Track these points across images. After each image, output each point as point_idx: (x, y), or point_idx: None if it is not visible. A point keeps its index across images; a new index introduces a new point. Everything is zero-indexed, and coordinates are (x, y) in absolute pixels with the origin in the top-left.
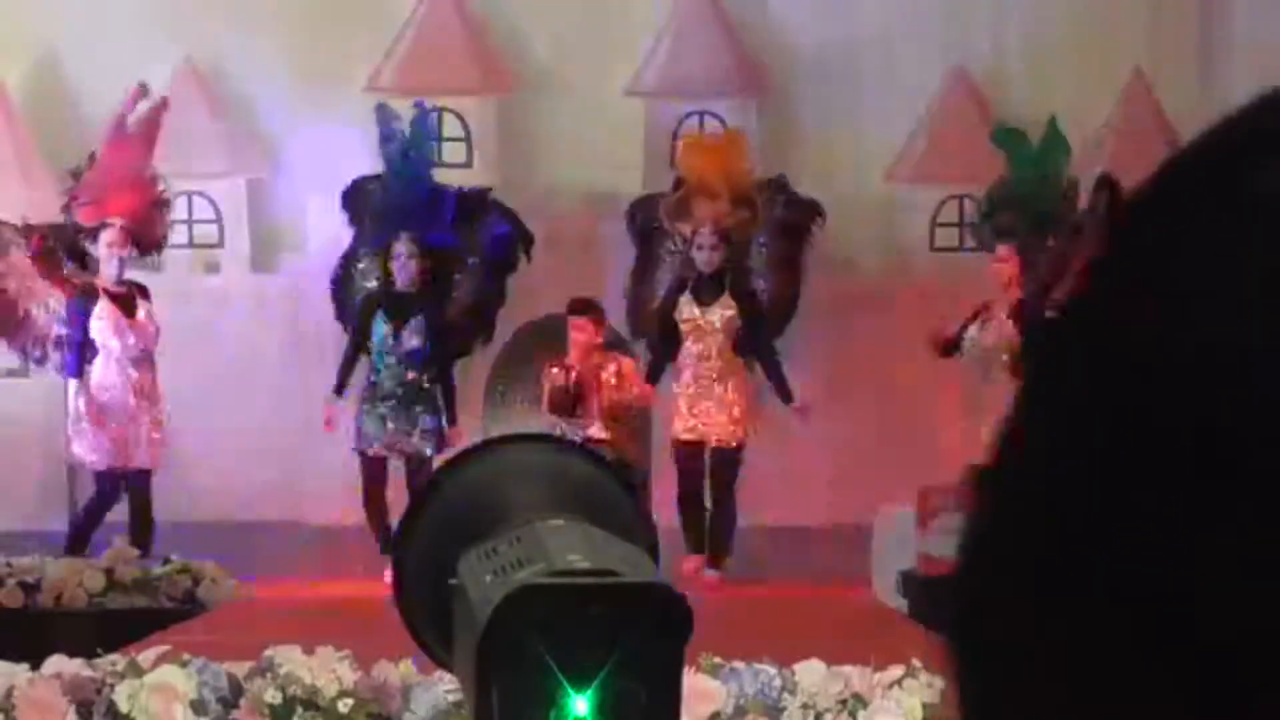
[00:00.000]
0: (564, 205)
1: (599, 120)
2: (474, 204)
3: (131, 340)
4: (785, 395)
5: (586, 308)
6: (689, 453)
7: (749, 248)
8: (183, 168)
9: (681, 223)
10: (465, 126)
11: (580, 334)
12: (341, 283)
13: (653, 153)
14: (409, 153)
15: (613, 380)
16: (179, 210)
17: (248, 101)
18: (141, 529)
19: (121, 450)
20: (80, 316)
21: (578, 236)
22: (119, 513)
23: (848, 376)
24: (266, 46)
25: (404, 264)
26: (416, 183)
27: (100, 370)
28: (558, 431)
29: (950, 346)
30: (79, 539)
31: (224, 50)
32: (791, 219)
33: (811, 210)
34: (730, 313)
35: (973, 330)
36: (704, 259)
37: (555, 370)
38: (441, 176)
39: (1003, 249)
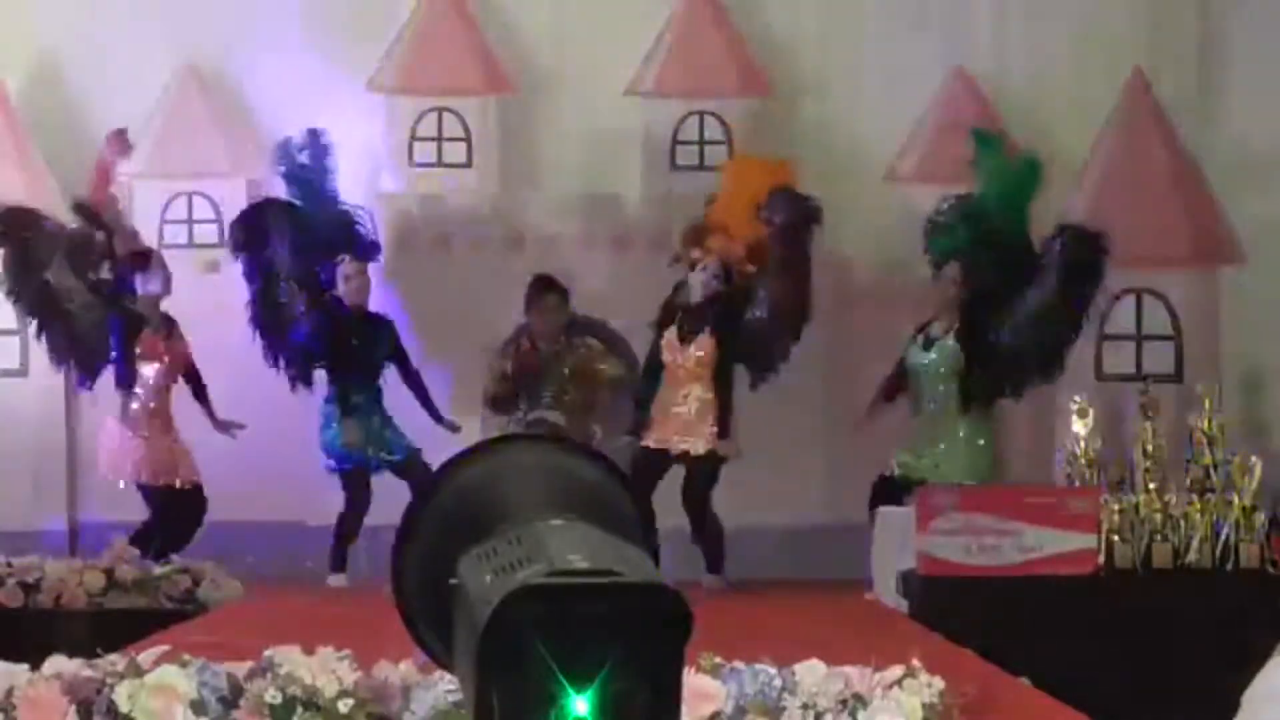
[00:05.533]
0: (564, 205)
1: (599, 120)
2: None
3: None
4: (722, 429)
5: (552, 286)
6: (648, 460)
7: (749, 289)
8: (183, 168)
9: (694, 249)
10: (465, 126)
11: (552, 315)
12: (267, 317)
13: (653, 153)
14: (315, 180)
15: (582, 350)
16: (179, 210)
17: (248, 102)
18: (184, 540)
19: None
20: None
21: (577, 237)
22: (123, 514)
23: (847, 376)
24: (266, 47)
25: (357, 285)
26: (332, 206)
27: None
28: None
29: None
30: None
31: (224, 51)
32: (791, 220)
33: (810, 209)
34: (705, 352)
35: (915, 350)
36: (701, 282)
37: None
38: (442, 177)
39: (950, 269)
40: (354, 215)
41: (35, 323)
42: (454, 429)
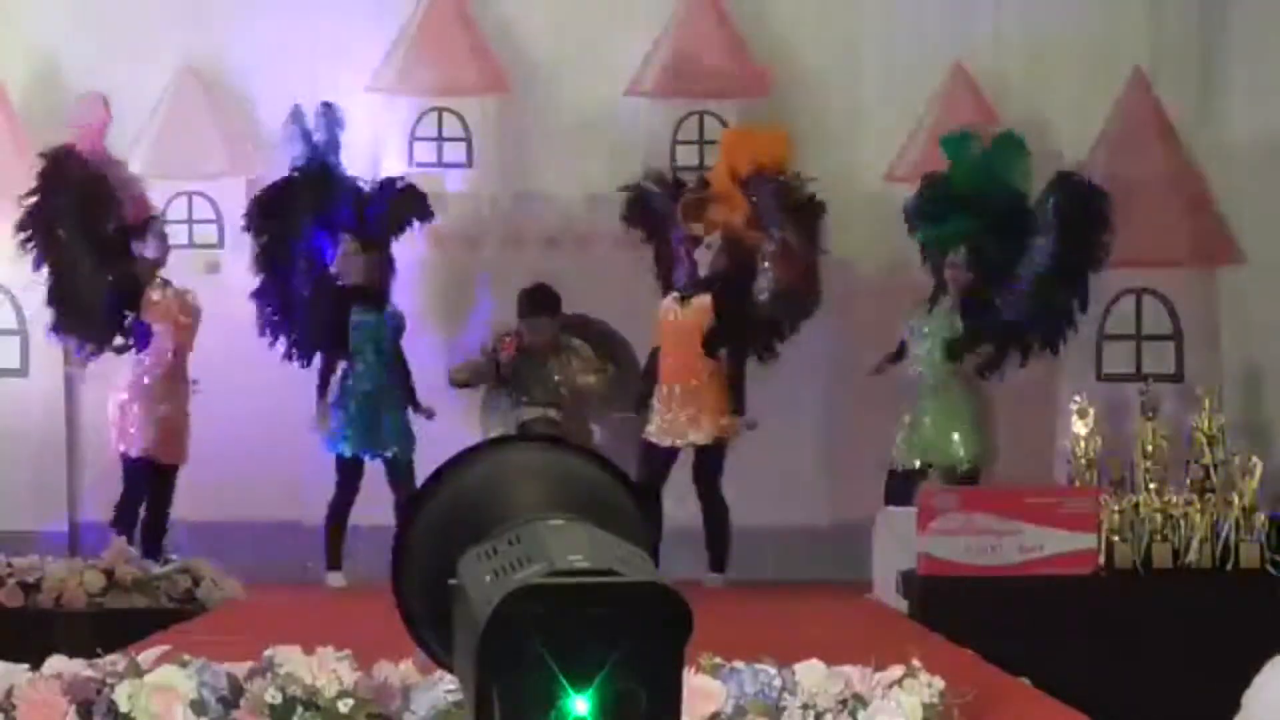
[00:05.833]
0: (564, 205)
1: (599, 120)
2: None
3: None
4: (738, 405)
5: (543, 306)
6: (654, 453)
7: (753, 262)
8: (183, 168)
9: (695, 223)
10: (465, 126)
11: (539, 334)
12: (277, 294)
13: (653, 153)
14: (322, 151)
15: (567, 359)
16: (179, 210)
17: (248, 102)
18: (159, 524)
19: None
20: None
21: (578, 236)
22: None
23: (847, 377)
24: (267, 47)
25: (354, 265)
26: (336, 180)
27: (149, 360)
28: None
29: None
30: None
31: (224, 51)
32: (791, 205)
33: (810, 201)
34: (703, 312)
35: (916, 319)
36: (707, 260)
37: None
38: (442, 177)
39: (956, 255)
40: (361, 194)
41: (48, 283)
42: (429, 416)
